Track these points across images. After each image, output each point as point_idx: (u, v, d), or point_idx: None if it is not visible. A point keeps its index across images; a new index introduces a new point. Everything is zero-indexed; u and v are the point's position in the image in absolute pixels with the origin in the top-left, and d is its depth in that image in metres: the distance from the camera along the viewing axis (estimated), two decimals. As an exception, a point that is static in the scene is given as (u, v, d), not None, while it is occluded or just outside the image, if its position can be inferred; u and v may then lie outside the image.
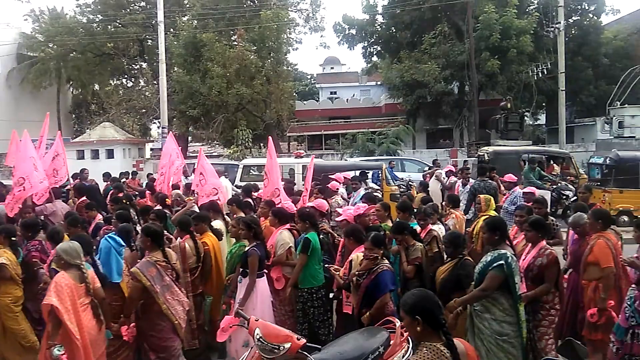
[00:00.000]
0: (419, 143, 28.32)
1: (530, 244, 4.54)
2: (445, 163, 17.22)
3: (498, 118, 20.44)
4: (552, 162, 14.11)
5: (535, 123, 30.32)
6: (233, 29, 25.19)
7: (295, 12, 27.84)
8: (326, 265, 5.02)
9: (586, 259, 4.74)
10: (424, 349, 2.34)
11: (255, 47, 24.65)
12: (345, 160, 19.82)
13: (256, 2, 26.71)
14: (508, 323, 3.88)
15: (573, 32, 25.72)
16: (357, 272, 4.29)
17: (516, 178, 8.64)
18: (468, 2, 22.65)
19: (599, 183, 12.74)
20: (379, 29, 28.39)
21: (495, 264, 3.89)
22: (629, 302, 4.13)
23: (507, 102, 20.25)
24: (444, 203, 7.76)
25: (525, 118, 28.44)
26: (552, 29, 19.39)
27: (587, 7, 26.05)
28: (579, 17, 26.37)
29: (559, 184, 12.69)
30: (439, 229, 5.64)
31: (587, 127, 25.90)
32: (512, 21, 22.09)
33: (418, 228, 5.42)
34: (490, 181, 9.00)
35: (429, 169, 14.12)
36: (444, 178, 11.49)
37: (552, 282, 4.26)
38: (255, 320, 3.38)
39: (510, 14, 22.10)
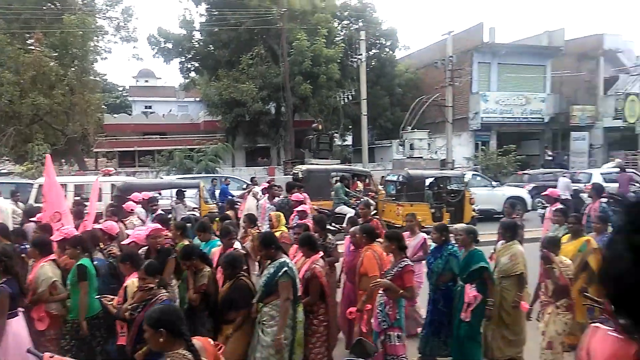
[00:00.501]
0: (238, 161, 28.63)
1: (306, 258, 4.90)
2: (262, 181, 17.71)
3: (311, 138, 21.82)
4: (356, 179, 15.52)
5: (344, 144, 33.09)
6: (29, 32, 22.42)
7: (104, 19, 26.01)
8: (97, 296, 4.59)
9: (359, 270, 5.18)
10: (168, 358, 2.52)
11: (56, 54, 22.26)
12: (161, 178, 19.02)
13: (58, 5, 24.21)
14: (288, 327, 4.27)
15: (373, 63, 28.92)
16: (129, 306, 4.00)
17: (302, 197, 9.16)
18: (282, 28, 23.86)
19: (394, 198, 14.42)
20: (197, 46, 28.12)
21: (280, 273, 4.26)
22: (379, 308, 4.57)
23: (319, 124, 21.77)
24: (242, 223, 7.85)
25: (335, 139, 30.91)
26: (356, 59, 21.53)
27: (384, 42, 29.60)
28: (377, 51, 29.79)
29: (361, 200, 14.01)
30: (238, 246, 5.74)
31: (385, 148, 29.24)
32: (321, 49, 23.93)
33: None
34: (286, 199, 9.54)
35: (246, 187, 14.37)
36: (260, 196, 11.77)
37: (315, 295, 4.68)
38: (50, 357, 3.01)
39: (319, 43, 23.92)
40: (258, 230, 6.95)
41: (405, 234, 6.68)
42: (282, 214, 7.07)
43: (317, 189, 13.97)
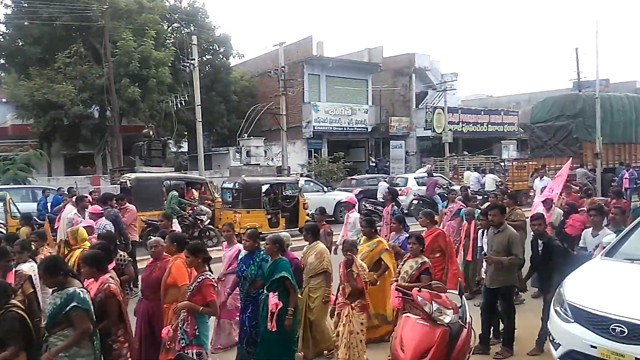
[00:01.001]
0: (56, 169, 25.66)
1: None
2: (86, 191, 16.15)
3: (141, 145, 20.53)
4: (191, 187, 15.05)
5: (179, 150, 31.91)
6: None
7: None
8: None
9: (166, 281, 4.92)
10: None
11: None
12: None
13: None
14: (82, 356, 3.79)
15: (207, 69, 28.43)
16: None
17: (100, 209, 8.59)
18: (105, 26, 22.12)
19: (230, 205, 14.32)
20: (2, 40, 24.62)
21: (68, 307, 3.73)
22: (181, 325, 4.35)
23: (150, 130, 20.60)
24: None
25: (170, 145, 29.61)
26: (188, 64, 20.89)
27: (217, 48, 29.30)
28: (211, 57, 29.38)
29: (195, 209, 13.65)
30: (30, 268, 5.04)
31: (222, 155, 28.97)
32: (150, 51, 22.74)
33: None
34: (114, 210, 8.87)
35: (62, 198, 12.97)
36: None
37: (114, 316, 4.22)
38: None
39: (148, 45, 22.70)
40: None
41: (224, 244, 6.67)
42: (81, 229, 6.36)
43: (147, 198, 13.21)
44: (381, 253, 6.17)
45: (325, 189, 18.42)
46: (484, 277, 6.43)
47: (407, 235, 6.50)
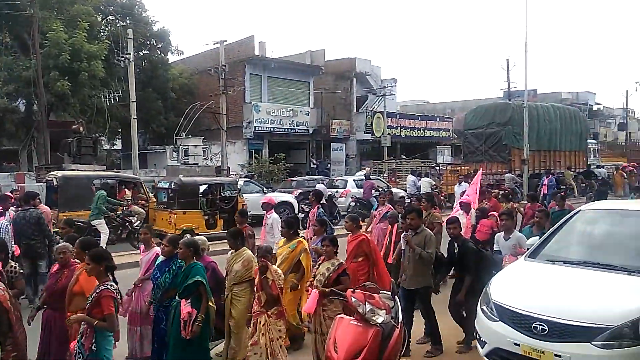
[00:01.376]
0: (-25, 166, 23.92)
1: None
2: (10, 189, 15.16)
3: (70, 141, 19.49)
4: (123, 187, 14.46)
5: (112, 148, 30.62)
6: None
7: None
8: None
9: (72, 289, 4.63)
10: None
11: None
12: None
13: None
14: None
15: (144, 64, 27.46)
16: None
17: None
18: (34, 16, 20.85)
19: (165, 206, 13.89)
20: None
21: None
22: (79, 338, 4.09)
23: (80, 125, 19.55)
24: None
25: (102, 143, 28.32)
26: (123, 58, 20.09)
27: (155, 44, 28.37)
28: (148, 52, 28.40)
29: (124, 210, 13.15)
30: None
31: (159, 154, 28.07)
32: (82, 44, 21.64)
33: None
34: (36, 210, 8.38)
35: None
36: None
37: (5, 326, 3.94)
38: None
39: (80, 37, 21.62)
40: None
41: (141, 247, 6.40)
42: None
43: (74, 198, 12.60)
44: (301, 254, 6.11)
45: (265, 190, 18.29)
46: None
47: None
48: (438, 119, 37.40)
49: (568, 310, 4.34)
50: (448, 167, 24.70)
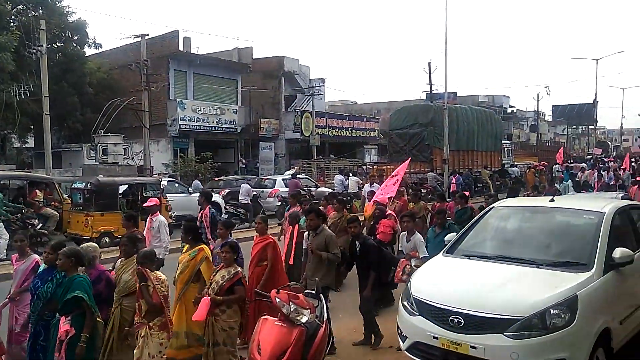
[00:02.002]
0: None
1: None
2: None
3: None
4: (34, 187, 13.48)
5: (23, 146, 28.50)
6: None
7: None
8: None
9: None
10: None
11: None
12: None
13: None
14: None
15: (58, 57, 25.76)
16: None
17: None
18: None
19: (81, 208, 13.11)
20: None
21: None
22: None
23: (-16, 122, 18.10)
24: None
25: (12, 140, 26.31)
26: (35, 50, 18.71)
27: (70, 36, 26.69)
28: (63, 44, 26.67)
29: (25, 213, 12.36)
30: None
31: (75, 153, 26.46)
32: (-11, 34, 19.99)
33: None
34: None
35: None
36: None
37: None
38: None
39: (-14, 26, 19.94)
40: None
41: (13, 257, 5.84)
42: None
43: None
44: (202, 262, 5.58)
45: (190, 190, 17.78)
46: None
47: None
48: (365, 120, 38.21)
49: (482, 303, 4.54)
50: (374, 167, 25.27)
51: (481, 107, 33.47)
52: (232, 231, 6.82)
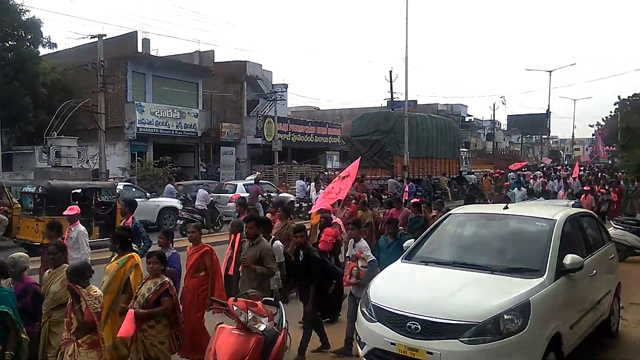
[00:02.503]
0: None
1: None
2: None
3: None
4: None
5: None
6: None
7: None
8: None
9: None
10: None
11: None
12: None
13: None
14: None
15: (10, 56, 24.74)
16: None
17: None
18: None
19: (32, 212, 12.58)
20: None
21: None
22: None
23: None
24: None
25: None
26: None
27: (24, 34, 25.68)
28: (15, 43, 25.63)
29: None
30: None
31: (27, 155, 25.40)
32: None
33: None
34: None
35: None
36: None
37: None
38: None
39: None
40: None
41: None
42: None
43: None
44: (131, 271, 5.31)
45: (148, 194, 17.35)
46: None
47: (174, 251, 6.14)
48: (327, 125, 38.38)
49: (438, 308, 4.59)
50: (336, 173, 25.37)
51: (440, 116, 34.22)
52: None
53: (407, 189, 21.04)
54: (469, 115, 57.92)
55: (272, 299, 5.16)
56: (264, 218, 8.20)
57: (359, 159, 11.72)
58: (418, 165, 26.61)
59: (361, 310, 5.19)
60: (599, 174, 28.91)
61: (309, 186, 19.95)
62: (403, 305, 4.77)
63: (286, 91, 35.56)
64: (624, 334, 6.79)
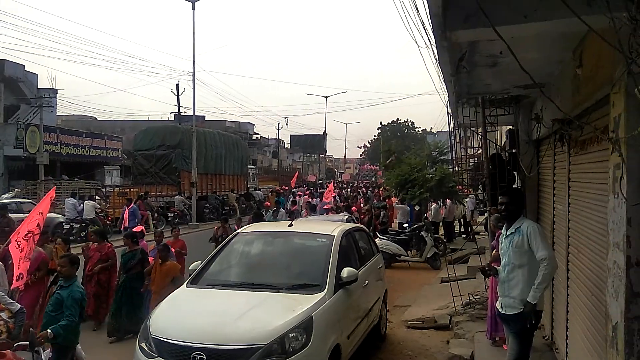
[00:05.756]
0: None
1: None
2: None
3: None
4: None
5: None
6: None
7: None
8: None
9: None
10: None
11: None
12: None
13: None
14: None
15: None
16: None
17: None
18: None
19: None
20: None
21: None
22: None
23: None
24: None
25: None
26: None
27: None
28: None
29: None
30: None
31: None
32: None
33: None
34: None
35: None
36: None
37: None
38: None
39: None
40: None
41: None
42: None
43: None
44: None
45: None
46: None
47: None
48: (106, 138, 35.27)
49: (224, 335, 4.38)
50: (116, 189, 23.31)
51: (228, 133, 34.48)
52: None
53: (126, 214, 15.20)
54: (256, 133, 59.84)
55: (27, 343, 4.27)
56: None
57: (53, 189, 9.02)
58: (206, 181, 26.20)
59: (139, 346, 4.64)
60: (360, 192, 31.53)
61: (81, 205, 17.70)
62: (186, 335, 4.42)
63: (55, 97, 31.56)
64: (390, 335, 7.57)
